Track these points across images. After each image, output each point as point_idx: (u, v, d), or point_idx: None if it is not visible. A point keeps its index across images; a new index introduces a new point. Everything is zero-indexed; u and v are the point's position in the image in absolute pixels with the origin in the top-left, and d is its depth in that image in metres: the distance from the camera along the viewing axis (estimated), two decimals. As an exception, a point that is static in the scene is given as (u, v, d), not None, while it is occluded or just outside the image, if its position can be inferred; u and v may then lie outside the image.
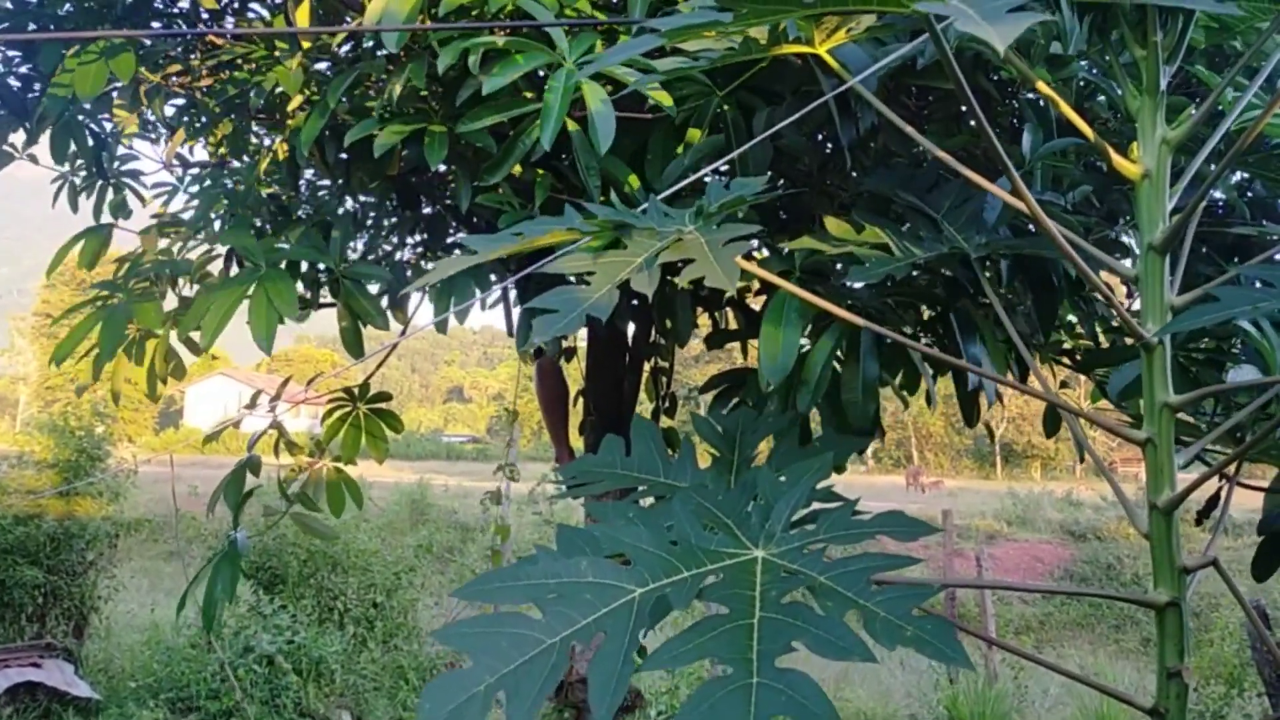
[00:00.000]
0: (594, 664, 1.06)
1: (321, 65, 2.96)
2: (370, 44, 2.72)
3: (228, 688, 7.81)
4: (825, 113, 2.11)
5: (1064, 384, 3.31)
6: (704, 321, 3.40)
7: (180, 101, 3.50)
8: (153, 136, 3.84)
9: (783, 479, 1.50)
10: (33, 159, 3.57)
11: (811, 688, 1.00)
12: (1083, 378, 3.05)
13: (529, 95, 2.32)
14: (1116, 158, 1.61)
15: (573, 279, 1.53)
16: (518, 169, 2.50)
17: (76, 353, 2.78)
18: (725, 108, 2.26)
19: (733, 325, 3.24)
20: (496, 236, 1.60)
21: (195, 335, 2.75)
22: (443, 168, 2.88)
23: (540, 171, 2.48)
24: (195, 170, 3.74)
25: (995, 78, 2.35)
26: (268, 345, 2.47)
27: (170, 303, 2.98)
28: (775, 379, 1.94)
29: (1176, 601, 1.49)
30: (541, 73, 2.27)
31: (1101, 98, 2.42)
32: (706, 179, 2.13)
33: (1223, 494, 2.19)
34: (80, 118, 3.38)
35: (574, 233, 1.55)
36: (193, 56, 3.31)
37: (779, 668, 1.03)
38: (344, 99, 2.56)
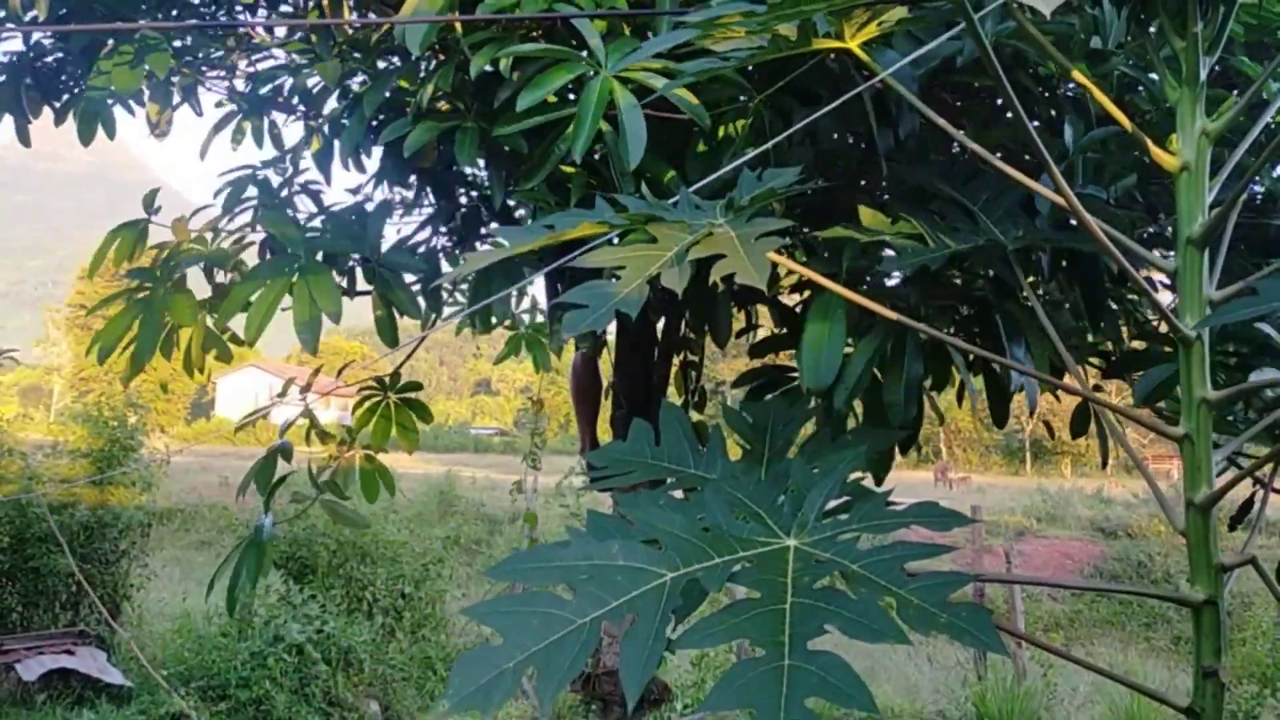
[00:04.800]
0: (625, 643, 1.06)
1: (357, 56, 2.97)
2: (398, 43, 2.73)
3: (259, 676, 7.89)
4: (861, 112, 2.10)
5: (1097, 388, 3.27)
6: (736, 316, 3.39)
7: (217, 96, 3.53)
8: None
9: (815, 470, 1.49)
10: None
11: (843, 669, 1.00)
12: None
13: (570, 98, 2.32)
14: (1155, 150, 1.59)
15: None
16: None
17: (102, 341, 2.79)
18: (763, 111, 2.25)
19: (765, 321, 3.23)
20: (528, 229, 1.61)
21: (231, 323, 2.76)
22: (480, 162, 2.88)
23: (575, 169, 2.48)
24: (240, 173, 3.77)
25: (1033, 72, 2.32)
26: (313, 344, 2.48)
27: (204, 290, 2.99)
28: (818, 386, 1.93)
29: (1214, 600, 1.47)
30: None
31: (1141, 90, 2.39)
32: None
33: (1258, 493, 2.16)
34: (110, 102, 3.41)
35: (605, 226, 1.54)
36: (224, 51, 3.34)
37: (811, 650, 1.03)
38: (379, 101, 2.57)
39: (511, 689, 1.02)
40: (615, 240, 1.61)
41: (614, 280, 1.41)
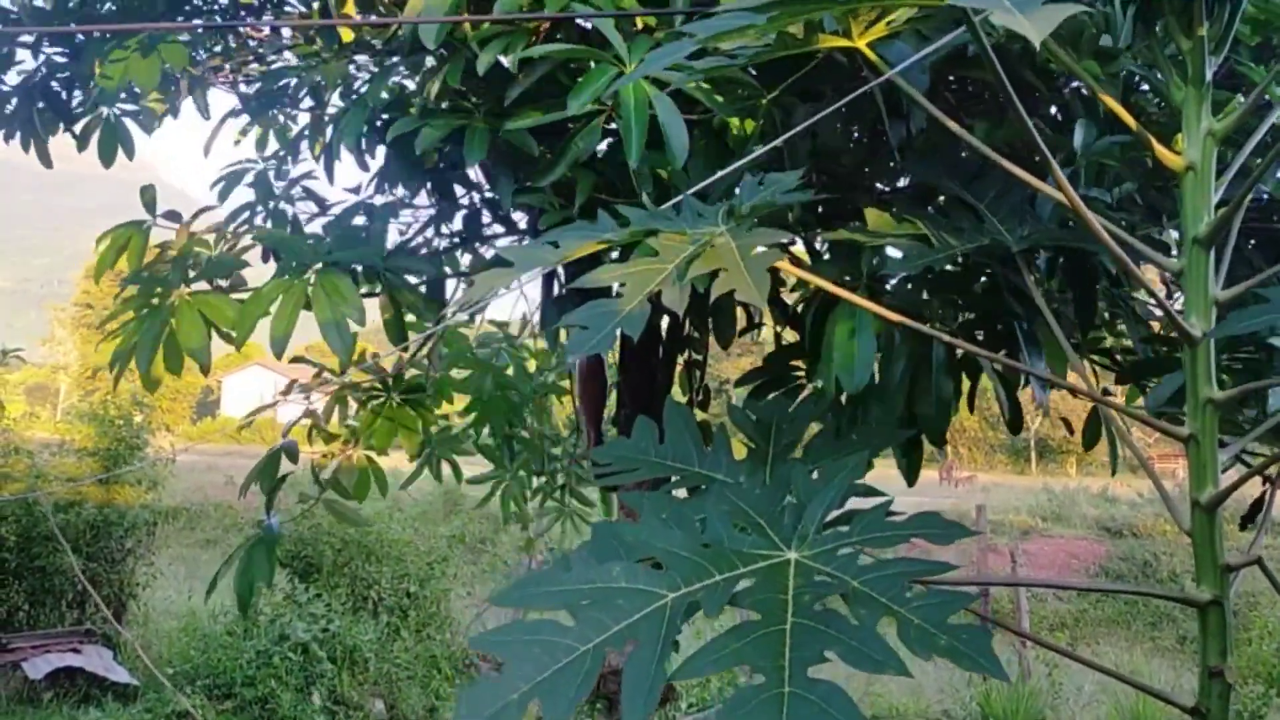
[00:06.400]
0: (627, 671, 1.06)
1: (361, 57, 2.97)
2: (402, 40, 2.73)
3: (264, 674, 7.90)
4: (869, 109, 2.09)
5: (1106, 391, 3.26)
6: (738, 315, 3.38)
7: (224, 95, 3.54)
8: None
9: (815, 476, 1.49)
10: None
11: (843, 699, 1.00)
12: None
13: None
14: (1160, 149, 1.58)
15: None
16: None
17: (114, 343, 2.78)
18: (773, 110, 2.25)
19: (767, 320, 3.23)
20: (534, 247, 1.60)
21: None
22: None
23: (581, 169, 2.48)
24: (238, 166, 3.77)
25: (1042, 69, 2.31)
26: (345, 350, 2.47)
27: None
28: (854, 389, 1.94)
29: (1219, 600, 1.46)
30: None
31: (1148, 90, 2.38)
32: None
33: (1268, 492, 2.16)
34: (123, 117, 3.42)
35: (608, 242, 1.55)
36: (230, 50, 3.34)
37: (811, 677, 1.03)
38: (383, 94, 2.57)
39: (518, 719, 1.02)
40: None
41: (616, 297, 1.41)
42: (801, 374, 2.44)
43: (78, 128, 3.45)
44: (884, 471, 2.34)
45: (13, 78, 3.43)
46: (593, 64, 2.19)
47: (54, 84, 3.43)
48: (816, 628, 1.09)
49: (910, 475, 2.36)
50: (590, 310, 1.39)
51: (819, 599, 1.14)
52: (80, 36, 3.15)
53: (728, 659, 1.08)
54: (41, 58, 3.40)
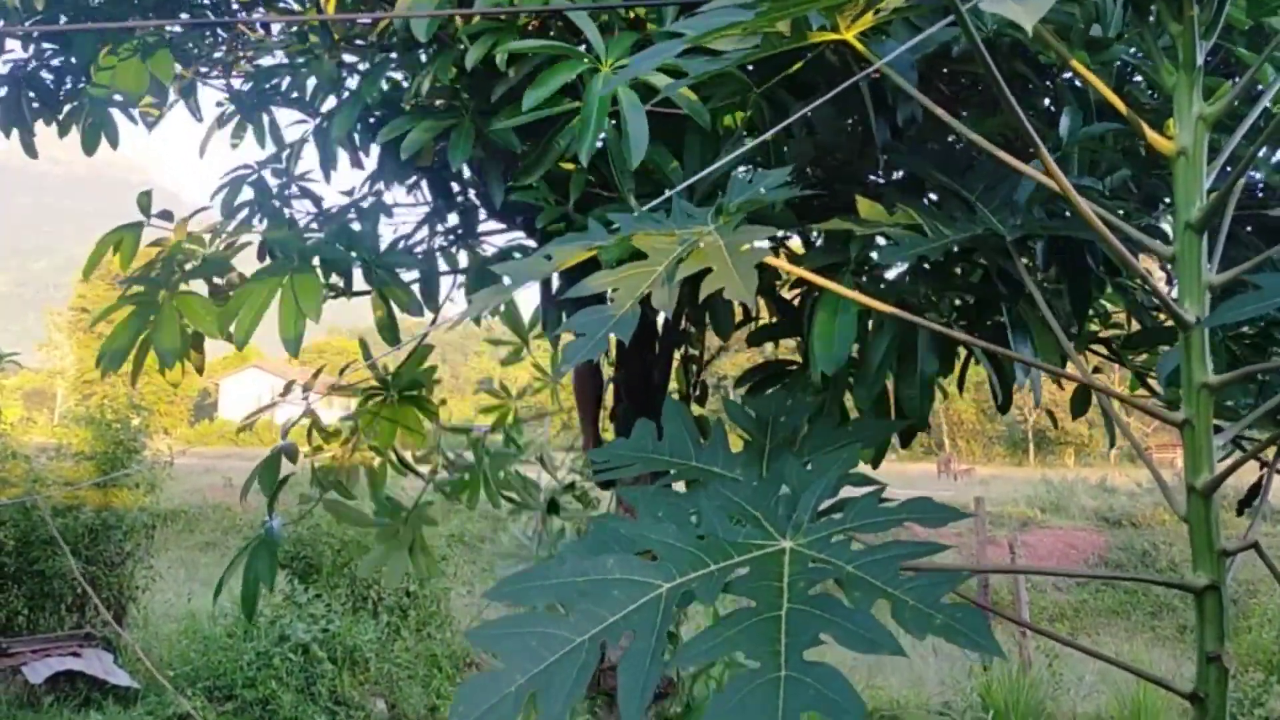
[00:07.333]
0: (623, 665, 1.06)
1: (350, 57, 2.97)
2: (400, 37, 2.72)
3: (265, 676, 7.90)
4: (860, 102, 2.09)
5: (1096, 370, 3.27)
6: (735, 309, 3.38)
7: (217, 95, 3.53)
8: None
9: (810, 468, 1.49)
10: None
11: (840, 682, 1.00)
12: (1116, 366, 3.01)
13: (565, 98, 2.32)
14: (1152, 134, 1.58)
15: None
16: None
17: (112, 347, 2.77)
18: (761, 103, 2.25)
19: (764, 313, 3.23)
20: (528, 262, 1.62)
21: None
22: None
23: (574, 166, 2.48)
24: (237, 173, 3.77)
25: (1034, 61, 2.32)
26: (295, 347, 2.49)
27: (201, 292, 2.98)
28: (831, 369, 1.94)
29: (1216, 585, 1.46)
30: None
31: (1139, 80, 2.38)
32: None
33: (1265, 477, 2.16)
34: (110, 108, 3.40)
35: (600, 249, 1.56)
36: (222, 48, 3.34)
37: (807, 661, 1.03)
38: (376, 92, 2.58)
39: (514, 714, 1.02)
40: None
41: (610, 303, 1.42)
42: (797, 368, 2.45)
43: (60, 114, 3.43)
44: (882, 466, 2.34)
45: (2, 66, 3.42)
46: (557, 59, 2.19)
47: (44, 73, 3.41)
48: (812, 612, 1.08)
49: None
50: (585, 317, 1.40)
51: (814, 585, 1.14)
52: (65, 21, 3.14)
53: (723, 646, 1.08)
54: (32, 48, 3.39)
